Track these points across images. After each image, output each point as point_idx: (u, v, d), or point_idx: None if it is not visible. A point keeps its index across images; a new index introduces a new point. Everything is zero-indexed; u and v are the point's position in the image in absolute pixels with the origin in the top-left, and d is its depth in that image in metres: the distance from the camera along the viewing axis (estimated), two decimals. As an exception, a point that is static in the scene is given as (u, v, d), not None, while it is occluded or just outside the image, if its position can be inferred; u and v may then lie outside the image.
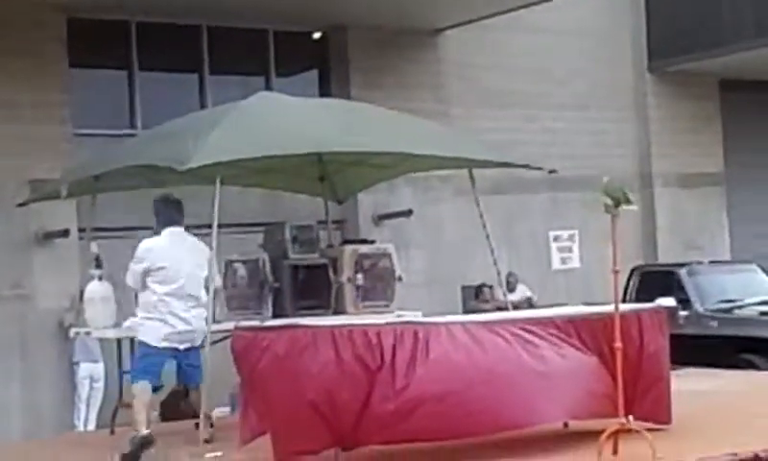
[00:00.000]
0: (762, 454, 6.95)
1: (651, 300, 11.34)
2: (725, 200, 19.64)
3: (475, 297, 16.16)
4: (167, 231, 8.76)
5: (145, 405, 8.46)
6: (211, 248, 8.77)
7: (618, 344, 7.32)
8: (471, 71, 17.17)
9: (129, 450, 8.23)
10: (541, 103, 17.79)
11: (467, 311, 15.19)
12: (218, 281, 8.89)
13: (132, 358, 9.01)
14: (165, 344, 8.57)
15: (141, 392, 8.50)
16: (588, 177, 16.02)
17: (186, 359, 8.70)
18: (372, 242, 11.32)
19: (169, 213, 8.83)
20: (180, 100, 14.93)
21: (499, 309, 12.18)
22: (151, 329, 8.60)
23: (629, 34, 19.18)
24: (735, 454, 6.93)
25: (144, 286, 8.62)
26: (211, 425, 8.70)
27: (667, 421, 8.00)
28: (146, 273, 8.59)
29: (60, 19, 14.12)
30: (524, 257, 17.12)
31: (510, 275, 15.46)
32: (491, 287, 15.81)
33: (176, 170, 8.49)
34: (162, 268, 8.56)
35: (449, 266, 16.29)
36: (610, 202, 7.37)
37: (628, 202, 7.67)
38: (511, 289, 15.33)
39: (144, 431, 8.28)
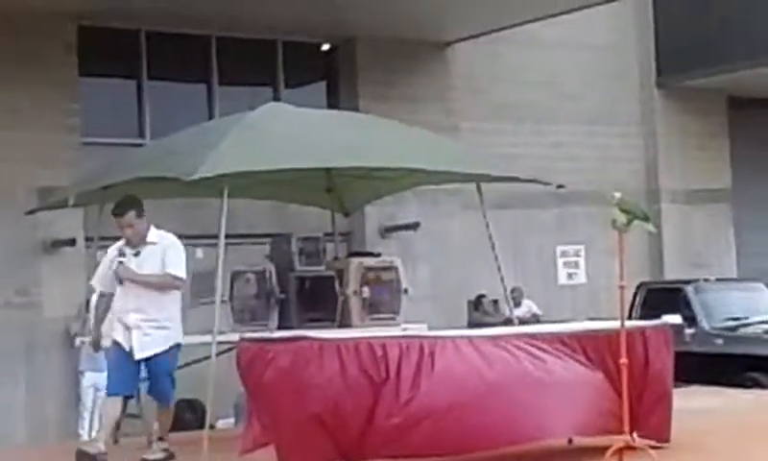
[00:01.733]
0: (767, 473, 6.94)
1: (657, 316, 11.31)
2: (732, 217, 19.62)
3: (475, 308, 16.14)
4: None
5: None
6: (218, 259, 8.79)
7: (624, 360, 7.31)
8: (480, 84, 17.18)
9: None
10: (550, 117, 17.80)
11: (470, 324, 15.17)
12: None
13: (168, 365, 8.51)
14: None
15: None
16: (595, 192, 16.03)
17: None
18: (379, 255, 11.34)
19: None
20: (189, 110, 14.96)
21: (505, 324, 12.16)
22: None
23: (637, 49, 19.19)
24: (740, 473, 6.92)
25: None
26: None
27: (667, 439, 7.98)
28: None
29: (70, 27, 14.17)
30: (531, 272, 17.11)
31: (514, 290, 15.44)
32: (495, 301, 15.79)
33: (183, 181, 8.50)
34: None
35: (455, 280, 16.29)
36: (622, 217, 7.35)
37: (647, 219, 7.67)
38: (516, 304, 15.32)
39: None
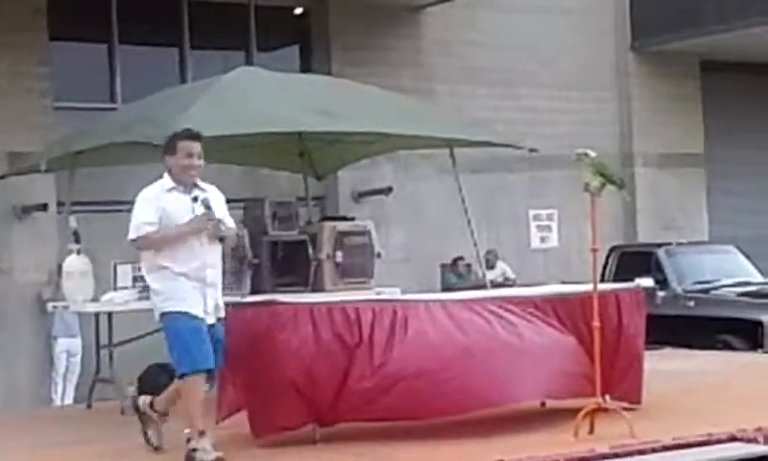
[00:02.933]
0: (738, 434, 6.99)
1: (629, 280, 11.35)
2: (704, 181, 19.68)
3: (450, 269, 16.17)
4: None
5: None
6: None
7: (596, 323, 7.34)
8: (453, 48, 17.13)
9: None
10: (523, 81, 17.77)
11: (445, 288, 15.21)
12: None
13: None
14: None
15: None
16: (568, 156, 15.95)
17: None
18: (352, 219, 11.33)
19: None
20: (161, 74, 14.87)
21: (478, 287, 12.20)
22: None
23: (612, 13, 19.16)
24: (711, 434, 6.97)
25: None
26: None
27: (638, 401, 8.03)
28: None
29: (39, -9, 14.04)
30: (504, 236, 17.14)
31: (489, 252, 15.49)
32: (468, 265, 15.83)
33: (155, 146, 8.45)
34: None
35: (429, 244, 16.30)
36: (595, 180, 7.32)
37: (622, 186, 7.67)
38: (490, 266, 15.36)
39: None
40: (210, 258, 6.97)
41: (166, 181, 7.05)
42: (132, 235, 6.92)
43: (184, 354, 6.81)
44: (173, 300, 6.86)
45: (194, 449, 6.78)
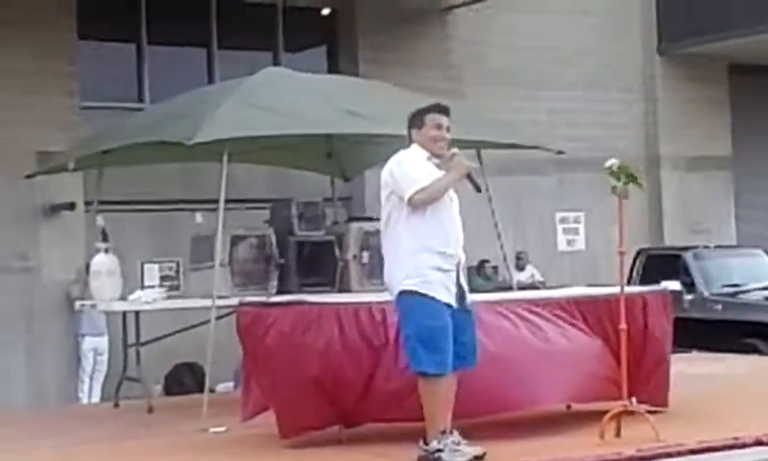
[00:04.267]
0: (764, 438, 6.95)
1: (656, 283, 11.31)
2: (732, 184, 19.60)
3: (477, 272, 16.16)
4: None
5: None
6: (218, 223, 8.79)
7: (623, 325, 7.32)
8: (480, 50, 17.12)
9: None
10: (550, 83, 17.75)
11: (471, 290, 15.18)
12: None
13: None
14: None
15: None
16: (595, 158, 15.94)
17: None
18: (379, 220, 11.30)
19: None
20: (189, 74, 14.93)
21: (504, 289, 12.17)
22: None
23: (638, 15, 19.12)
24: (737, 438, 6.94)
25: None
26: None
27: (665, 404, 8.01)
28: None
29: (69, -10, 14.12)
30: (530, 239, 17.11)
31: (520, 252, 15.45)
32: (495, 267, 15.80)
33: (183, 145, 8.49)
34: None
35: (455, 245, 16.28)
36: (620, 184, 7.30)
37: (636, 183, 7.62)
38: (520, 268, 15.32)
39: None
40: (460, 236, 6.66)
41: (420, 151, 6.69)
42: (409, 192, 6.47)
43: (423, 351, 6.42)
44: (419, 278, 6.42)
45: (439, 450, 6.48)
